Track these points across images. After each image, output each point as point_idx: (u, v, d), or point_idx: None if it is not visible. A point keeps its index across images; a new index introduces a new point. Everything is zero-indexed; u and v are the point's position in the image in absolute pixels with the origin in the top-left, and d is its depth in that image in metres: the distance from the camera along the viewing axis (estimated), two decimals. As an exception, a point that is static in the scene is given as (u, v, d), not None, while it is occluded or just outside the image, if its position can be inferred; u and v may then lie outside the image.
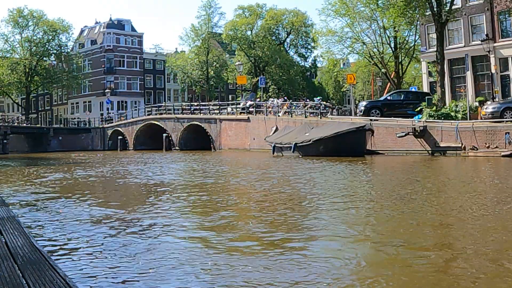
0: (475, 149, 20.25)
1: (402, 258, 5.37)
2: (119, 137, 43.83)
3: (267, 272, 4.83)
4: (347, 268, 4.95)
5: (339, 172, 15.36)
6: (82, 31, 66.38)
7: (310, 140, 23.05)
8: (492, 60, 26.26)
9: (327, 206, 8.80)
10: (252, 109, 33.38)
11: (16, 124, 48.67)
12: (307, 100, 35.29)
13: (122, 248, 5.91)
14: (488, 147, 20.01)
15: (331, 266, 4.98)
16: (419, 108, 24.19)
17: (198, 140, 37.87)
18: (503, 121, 20.25)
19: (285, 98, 38.52)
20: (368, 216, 7.91)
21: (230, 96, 63.35)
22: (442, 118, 22.53)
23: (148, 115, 43.70)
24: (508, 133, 19.39)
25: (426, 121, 22.48)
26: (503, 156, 18.75)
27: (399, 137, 22.57)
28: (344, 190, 10.93)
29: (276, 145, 25.86)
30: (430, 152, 21.75)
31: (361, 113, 26.11)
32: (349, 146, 21.45)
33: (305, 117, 28.95)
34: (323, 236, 6.48)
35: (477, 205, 8.49)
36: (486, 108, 21.53)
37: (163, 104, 46.67)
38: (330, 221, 7.46)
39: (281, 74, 55.47)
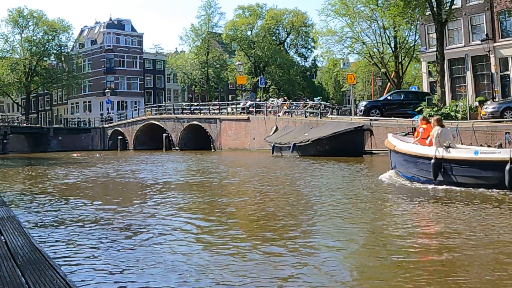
0: (475, 149, 20.23)
1: (398, 262, 5.36)
2: (119, 137, 43.84)
3: (262, 273, 4.84)
4: (338, 271, 4.96)
5: (333, 172, 15.43)
6: (82, 31, 66.37)
7: (308, 140, 23.07)
8: (492, 60, 26.26)
9: (317, 207, 8.81)
10: (252, 109, 33.37)
11: (16, 124, 48.63)
12: (307, 100, 35.29)
13: (122, 248, 5.92)
14: (489, 147, 19.99)
15: (326, 268, 4.99)
16: (419, 108, 24.18)
17: (198, 140, 37.86)
18: (503, 121, 20.23)
19: (285, 98, 38.53)
20: (358, 216, 7.91)
21: (230, 96, 63.35)
22: (442, 118, 22.48)
23: (148, 115, 43.71)
24: (508, 133, 19.39)
25: (426, 121, 22.45)
26: (503, 156, 18.71)
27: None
28: (334, 191, 10.94)
29: (276, 145, 25.87)
30: (430, 152, 21.70)
31: (361, 113, 26.10)
32: (347, 146, 21.43)
33: (305, 117, 28.94)
34: (319, 237, 6.48)
35: (475, 204, 8.48)
36: (486, 108, 21.51)
37: (163, 104, 46.68)
38: (323, 223, 7.46)
39: (281, 74, 55.46)
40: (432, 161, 10.04)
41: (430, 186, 10.08)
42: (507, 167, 8.88)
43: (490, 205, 8.07)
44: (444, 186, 9.88)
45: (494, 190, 9.12)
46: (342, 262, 5.22)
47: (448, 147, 10.04)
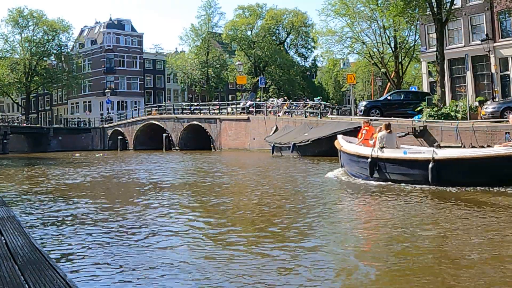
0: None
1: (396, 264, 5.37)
2: (119, 137, 43.83)
3: (257, 273, 4.84)
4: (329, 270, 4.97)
5: (328, 172, 15.53)
6: (82, 31, 66.36)
7: (308, 140, 23.10)
8: (492, 60, 26.26)
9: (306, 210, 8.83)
10: (252, 109, 33.36)
11: (16, 124, 48.61)
12: (307, 100, 35.28)
13: (122, 248, 5.92)
14: (489, 147, 19.97)
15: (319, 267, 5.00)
16: (419, 108, 24.16)
17: (198, 140, 37.85)
18: (503, 121, 20.21)
19: (285, 98, 38.52)
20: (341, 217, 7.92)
21: (230, 96, 63.34)
22: (442, 118, 22.49)
23: (148, 115, 43.71)
24: (508, 133, 19.37)
25: (426, 121, 22.45)
26: (503, 156, 18.70)
27: (399, 137, 22.51)
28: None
29: (276, 145, 25.88)
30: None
31: (361, 113, 26.08)
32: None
33: (305, 117, 28.94)
34: (313, 239, 6.49)
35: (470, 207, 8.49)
36: (486, 108, 21.50)
37: (163, 104, 46.66)
38: (316, 225, 7.47)
39: (281, 74, 55.46)
40: (369, 160, 11.18)
41: (367, 182, 11.29)
42: (430, 165, 9.89)
43: (415, 198, 9.13)
44: (379, 182, 11.04)
45: (419, 185, 10.21)
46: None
47: (382, 147, 11.11)
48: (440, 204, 8.47)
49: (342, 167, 13.26)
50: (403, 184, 10.55)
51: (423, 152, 10.69)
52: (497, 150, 9.93)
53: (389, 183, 10.85)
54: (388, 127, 11.60)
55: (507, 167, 9.25)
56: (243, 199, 10.48)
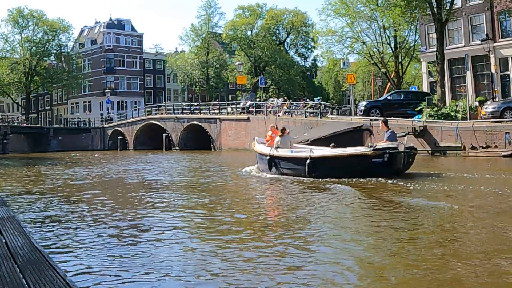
0: (475, 149, 20.25)
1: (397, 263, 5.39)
2: (119, 137, 43.83)
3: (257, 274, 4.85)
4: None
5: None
6: (82, 31, 66.39)
7: (308, 140, 23.10)
8: (492, 60, 26.27)
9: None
10: (252, 109, 33.37)
11: (16, 124, 48.61)
12: (307, 100, 35.29)
13: (122, 248, 5.92)
14: (488, 147, 20.00)
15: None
16: (419, 108, 24.18)
17: (198, 140, 37.86)
18: (503, 121, 20.24)
19: (285, 98, 38.53)
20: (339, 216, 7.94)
21: (230, 96, 63.37)
22: (442, 118, 22.51)
23: (148, 115, 43.72)
24: (508, 133, 19.39)
25: (426, 121, 22.46)
26: (503, 156, 18.74)
27: (399, 137, 22.50)
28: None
29: (276, 145, 25.91)
30: (430, 152, 21.73)
31: (361, 113, 26.11)
32: (346, 146, 21.45)
33: (305, 117, 28.94)
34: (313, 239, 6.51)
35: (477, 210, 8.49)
36: (486, 108, 21.52)
37: (163, 104, 46.67)
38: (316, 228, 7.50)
39: (281, 74, 55.47)
40: (267, 157, 13.64)
41: (268, 175, 13.75)
42: (307, 161, 12.23)
43: (297, 186, 11.51)
44: (276, 175, 13.46)
45: (301, 177, 12.46)
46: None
47: (277, 147, 13.54)
48: (312, 190, 10.72)
49: (257, 163, 15.56)
50: (291, 176, 12.90)
51: (303, 151, 13.19)
52: (348, 150, 12.63)
53: (282, 176, 13.23)
54: (282, 131, 14.25)
55: (356, 163, 11.80)
56: (238, 199, 10.50)
